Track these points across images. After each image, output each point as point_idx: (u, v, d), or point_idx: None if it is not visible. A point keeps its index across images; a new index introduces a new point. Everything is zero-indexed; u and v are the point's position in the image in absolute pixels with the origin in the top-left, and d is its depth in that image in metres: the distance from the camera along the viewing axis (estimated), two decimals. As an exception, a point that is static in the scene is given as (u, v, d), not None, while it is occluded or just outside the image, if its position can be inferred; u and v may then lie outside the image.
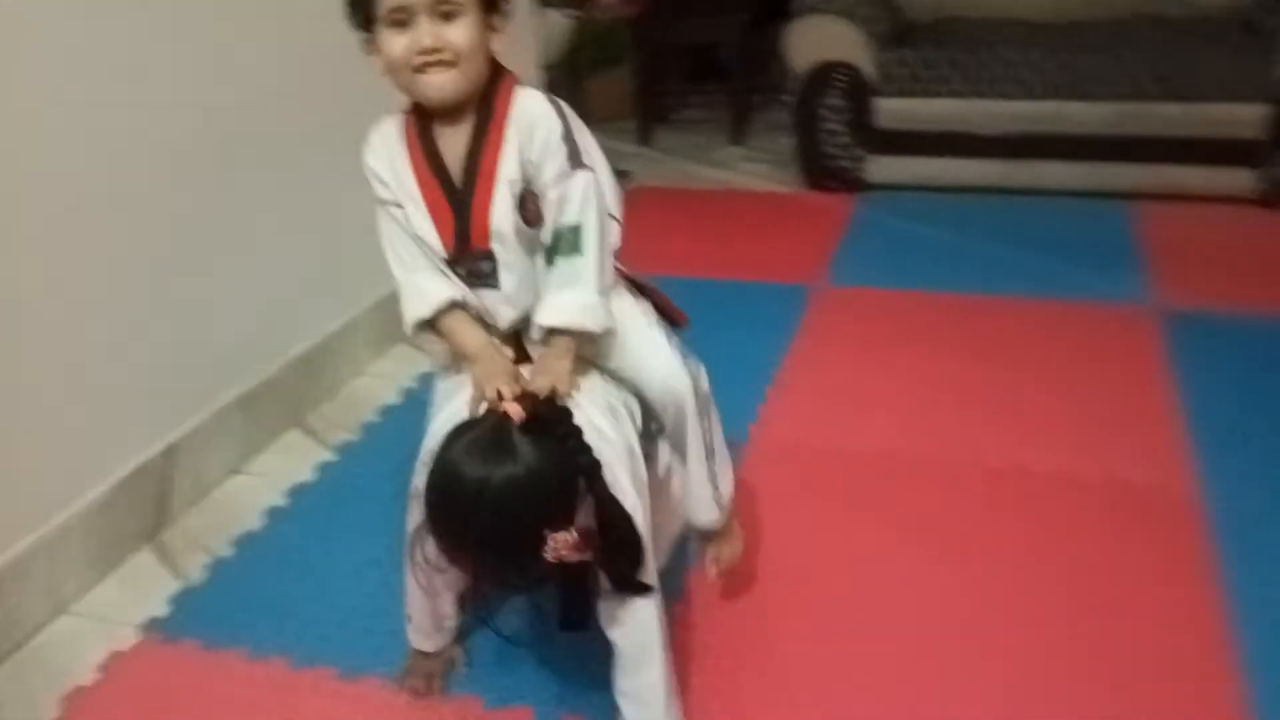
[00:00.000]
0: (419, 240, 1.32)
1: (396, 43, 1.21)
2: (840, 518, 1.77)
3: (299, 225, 2.16)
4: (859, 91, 3.17)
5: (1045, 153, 3.06)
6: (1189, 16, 3.22)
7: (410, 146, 1.30)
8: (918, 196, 3.21)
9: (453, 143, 1.29)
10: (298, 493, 1.95)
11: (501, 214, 1.28)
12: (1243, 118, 2.83)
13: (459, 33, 1.20)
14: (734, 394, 1.41)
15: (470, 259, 1.31)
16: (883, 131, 3.21)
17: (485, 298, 1.34)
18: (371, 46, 1.24)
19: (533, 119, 1.27)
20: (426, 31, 1.19)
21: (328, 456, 2.07)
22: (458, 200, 1.29)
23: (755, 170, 3.66)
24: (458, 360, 1.37)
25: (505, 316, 1.35)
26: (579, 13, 3.90)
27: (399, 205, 1.32)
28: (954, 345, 2.33)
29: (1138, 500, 1.76)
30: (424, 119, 1.30)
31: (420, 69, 1.21)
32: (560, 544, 1.09)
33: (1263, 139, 2.83)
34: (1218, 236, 2.80)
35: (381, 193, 1.33)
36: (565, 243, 1.29)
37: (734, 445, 1.31)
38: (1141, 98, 2.90)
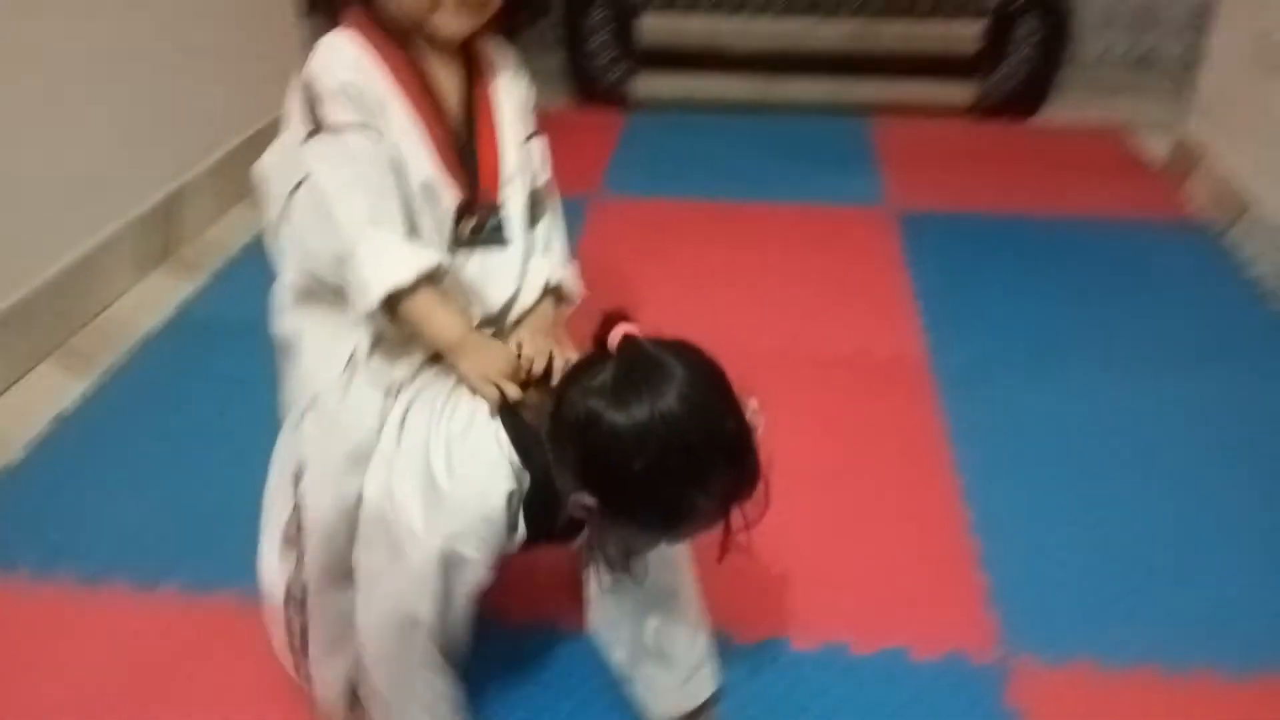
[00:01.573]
0: (390, 188, 1.09)
1: None
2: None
3: (48, 136, 2.00)
4: (622, 8, 3.25)
5: (793, 69, 3.28)
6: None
7: (398, 77, 1.11)
8: (682, 113, 3.36)
9: (446, 81, 1.16)
10: (62, 421, 1.85)
11: (514, 158, 1.19)
12: (961, 34, 3.15)
13: None
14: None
15: (480, 210, 1.17)
16: (646, 49, 3.31)
17: (483, 264, 1.18)
18: None
19: (515, 66, 1.24)
20: None
21: (90, 384, 1.96)
22: (460, 145, 1.15)
23: (524, 89, 3.68)
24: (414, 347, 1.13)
25: (500, 291, 1.19)
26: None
27: (377, 132, 1.08)
28: (719, 245, 2.51)
29: (880, 367, 2.01)
30: (406, 49, 1.12)
31: (448, 6, 1.10)
32: (756, 407, 0.99)
33: (977, 54, 3.17)
34: (941, 144, 3.12)
35: (353, 115, 1.07)
36: (546, 200, 1.27)
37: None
38: (874, 15, 3.17)
